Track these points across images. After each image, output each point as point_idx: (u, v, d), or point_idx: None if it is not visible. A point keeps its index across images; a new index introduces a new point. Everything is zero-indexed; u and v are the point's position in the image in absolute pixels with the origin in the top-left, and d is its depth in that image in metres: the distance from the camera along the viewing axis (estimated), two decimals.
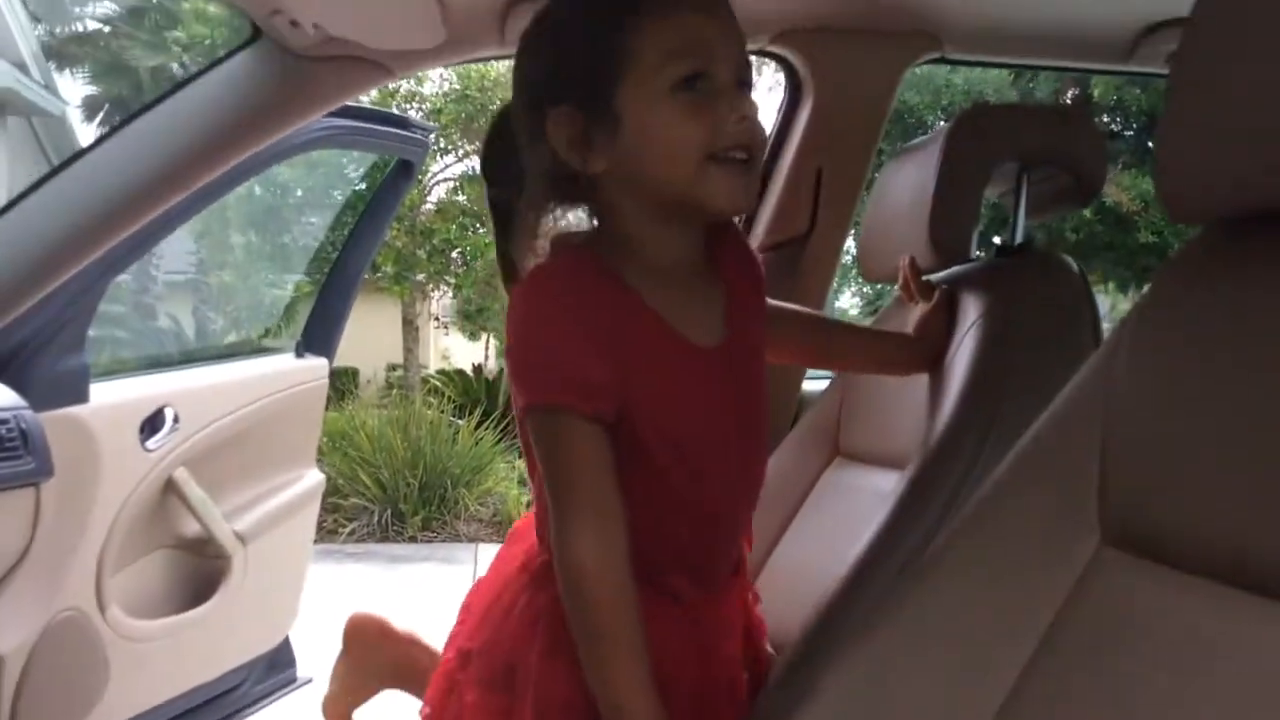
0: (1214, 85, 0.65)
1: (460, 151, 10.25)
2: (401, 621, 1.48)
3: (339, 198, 9.11)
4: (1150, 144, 9.72)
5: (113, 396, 1.84)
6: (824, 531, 1.43)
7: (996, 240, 1.48)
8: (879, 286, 12.94)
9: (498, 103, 9.60)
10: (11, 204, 1.50)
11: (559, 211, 1.00)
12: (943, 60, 1.76)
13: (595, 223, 1.01)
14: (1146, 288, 0.75)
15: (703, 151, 0.91)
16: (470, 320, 11.43)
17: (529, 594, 1.04)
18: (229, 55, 1.52)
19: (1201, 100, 0.67)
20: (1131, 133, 10.05)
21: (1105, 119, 9.90)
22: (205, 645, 2.06)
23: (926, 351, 1.28)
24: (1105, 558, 0.69)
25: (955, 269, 1.40)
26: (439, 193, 10.51)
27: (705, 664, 1.03)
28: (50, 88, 10.89)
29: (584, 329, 0.91)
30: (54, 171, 1.52)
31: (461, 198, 10.30)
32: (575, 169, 0.94)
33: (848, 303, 15.44)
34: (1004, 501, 0.78)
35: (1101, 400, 0.72)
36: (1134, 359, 0.72)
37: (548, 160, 0.94)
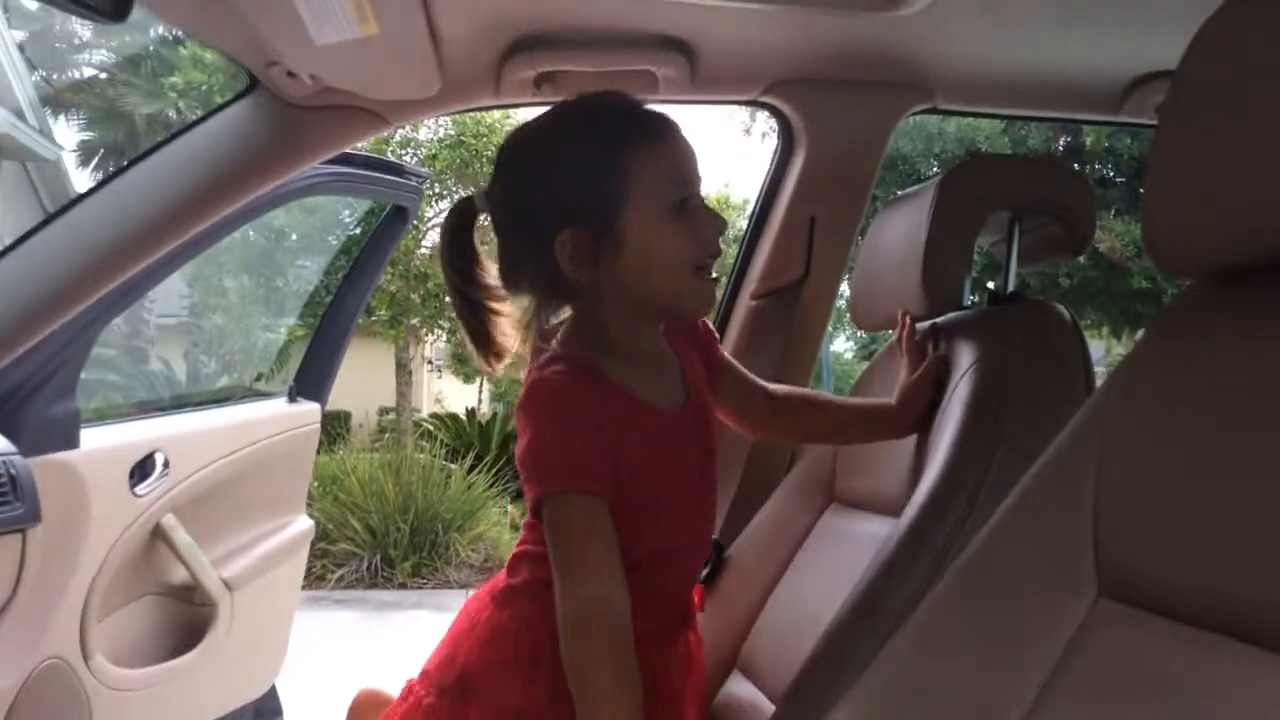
0: (1200, 139, 0.66)
1: (455, 197, 10.31)
2: None
3: (334, 242, 9.15)
4: (1143, 191, 9.82)
5: (103, 442, 1.83)
6: (819, 577, 1.42)
7: (990, 285, 1.49)
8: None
9: (493, 149, 9.70)
10: (7, 250, 1.50)
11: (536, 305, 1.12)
12: (934, 111, 1.78)
13: (572, 316, 1.13)
14: (1140, 336, 0.76)
15: (692, 264, 1.06)
16: (464, 364, 11.44)
17: (489, 611, 1.15)
18: (226, 104, 1.53)
19: (1188, 153, 0.67)
20: (1124, 180, 10.17)
21: (1097, 166, 10.02)
22: (191, 693, 2.03)
23: (908, 420, 1.31)
24: (1102, 609, 0.69)
25: (948, 316, 1.40)
26: (433, 237, 10.55)
27: (655, 699, 1.08)
28: (46, 133, 10.95)
29: (591, 428, 1.05)
30: (50, 218, 1.52)
31: None
32: (575, 279, 1.06)
33: (842, 346, 15.47)
34: (999, 553, 0.78)
35: (1095, 451, 0.72)
36: (1127, 410, 0.72)
37: (550, 273, 1.06)
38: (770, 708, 1.29)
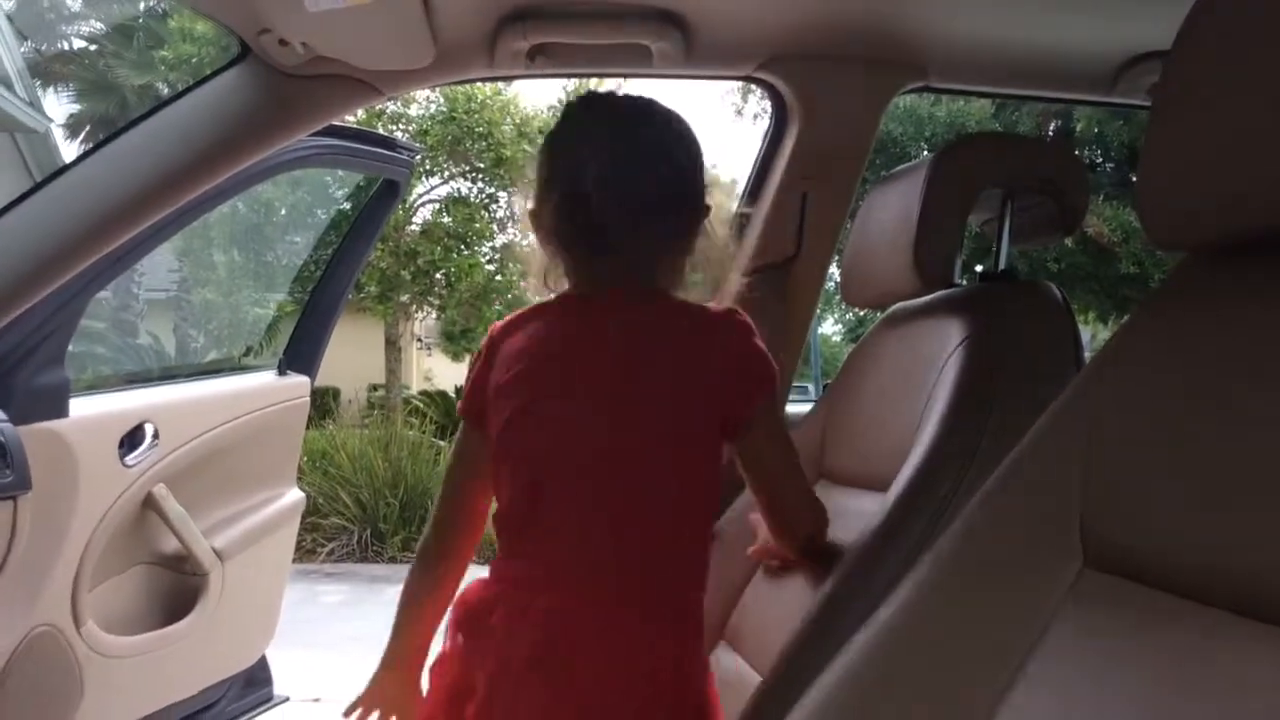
0: (1195, 115, 0.67)
1: (446, 173, 10.27)
2: None
3: (323, 217, 9.11)
4: (1132, 177, 9.84)
5: (92, 411, 1.82)
6: None
7: (979, 268, 1.50)
8: (861, 314, 13.01)
9: (484, 125, 9.65)
10: None
11: None
12: (928, 89, 1.78)
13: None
14: (1129, 315, 0.76)
15: None
16: (453, 341, 11.42)
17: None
18: (216, 73, 1.52)
19: (1183, 130, 0.68)
20: (1112, 165, 10.18)
21: (1087, 152, 10.03)
22: (182, 662, 2.04)
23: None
24: (1087, 580, 0.70)
25: (939, 294, 1.41)
26: (424, 214, 10.52)
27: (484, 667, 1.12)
28: (35, 105, 10.86)
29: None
30: (38, 186, 1.51)
31: (446, 219, 10.31)
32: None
33: (830, 329, 15.49)
34: (986, 524, 0.79)
35: (1084, 424, 0.73)
36: (1116, 384, 0.72)
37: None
38: (756, 679, 1.30)
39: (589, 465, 1.09)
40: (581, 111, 1.15)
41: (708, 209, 1.17)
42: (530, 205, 1.15)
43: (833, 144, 1.77)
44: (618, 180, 1.07)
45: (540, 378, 1.12)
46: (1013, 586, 0.74)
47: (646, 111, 1.13)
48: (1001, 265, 1.41)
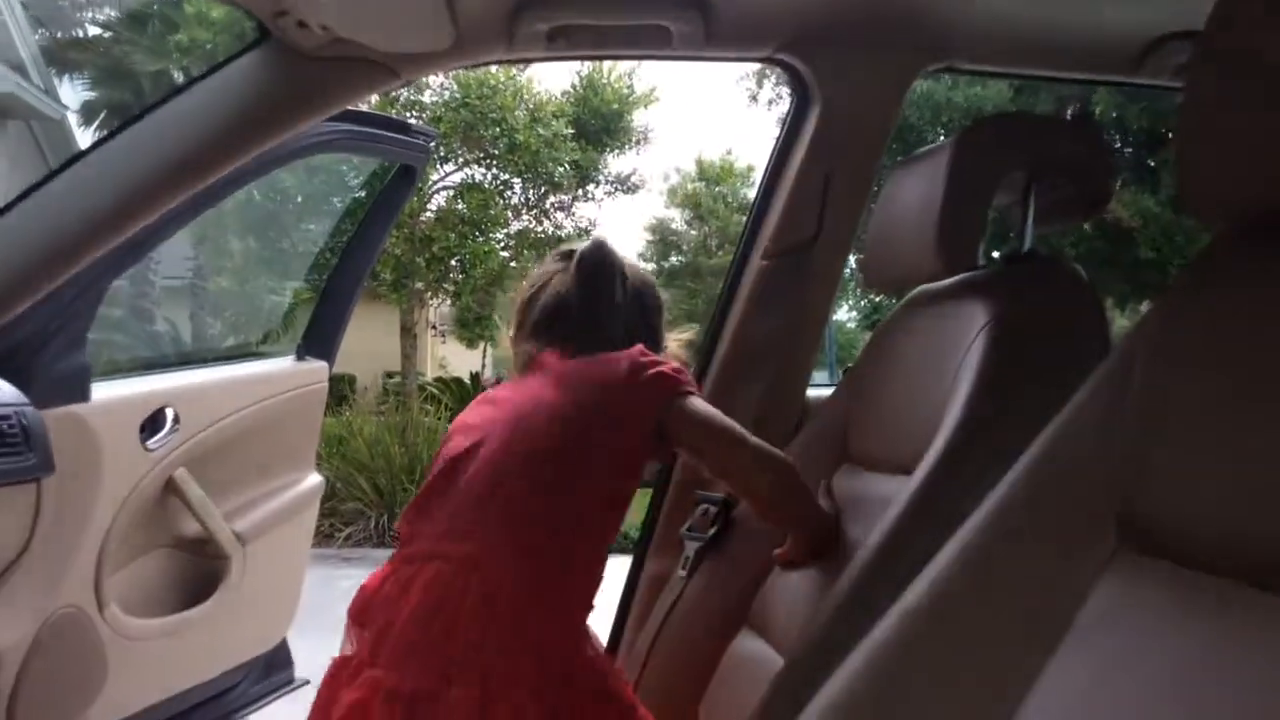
0: (1234, 87, 0.66)
1: (460, 160, 10.27)
2: None
3: (339, 204, 9.11)
4: (1150, 162, 9.76)
5: (113, 395, 1.83)
6: None
7: (995, 255, 1.48)
8: (877, 300, 12.97)
9: (497, 111, 9.64)
10: (14, 202, 1.50)
11: None
12: (950, 70, 1.77)
13: None
14: (1144, 307, 0.75)
15: None
16: (468, 328, 11.44)
17: None
18: (235, 56, 1.52)
19: (1222, 102, 0.67)
20: (1131, 150, 10.09)
21: (1106, 137, 9.94)
22: (203, 645, 2.05)
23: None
24: (1121, 560, 0.69)
25: (962, 276, 1.40)
26: (438, 201, 10.52)
27: None
28: (50, 92, 10.90)
29: None
30: (56, 171, 1.51)
31: (461, 206, 10.31)
32: None
33: (845, 315, 15.45)
34: (1017, 505, 0.78)
35: (1120, 402, 0.72)
36: (1153, 361, 0.72)
37: None
38: (779, 662, 1.30)
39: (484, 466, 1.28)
40: None
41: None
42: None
43: (854, 126, 1.75)
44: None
45: (473, 408, 1.43)
46: (1044, 567, 0.73)
47: None
48: (1026, 247, 1.39)
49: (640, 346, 1.34)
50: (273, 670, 2.31)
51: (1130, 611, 0.67)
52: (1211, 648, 0.61)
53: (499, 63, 1.75)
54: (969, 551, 0.78)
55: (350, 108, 2.00)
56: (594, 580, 1.29)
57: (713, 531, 1.60)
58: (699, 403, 1.33)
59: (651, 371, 1.31)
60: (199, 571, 2.08)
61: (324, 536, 6.03)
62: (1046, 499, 0.75)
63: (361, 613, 1.26)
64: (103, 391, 1.80)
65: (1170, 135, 9.50)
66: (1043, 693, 0.69)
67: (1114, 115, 9.65)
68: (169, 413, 1.94)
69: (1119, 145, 10.13)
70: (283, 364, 2.34)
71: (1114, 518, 0.70)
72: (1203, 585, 0.63)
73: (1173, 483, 0.67)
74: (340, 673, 1.23)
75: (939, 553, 0.82)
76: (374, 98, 9.31)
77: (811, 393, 1.91)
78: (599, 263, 1.42)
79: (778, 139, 1.88)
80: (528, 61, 1.55)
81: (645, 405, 1.29)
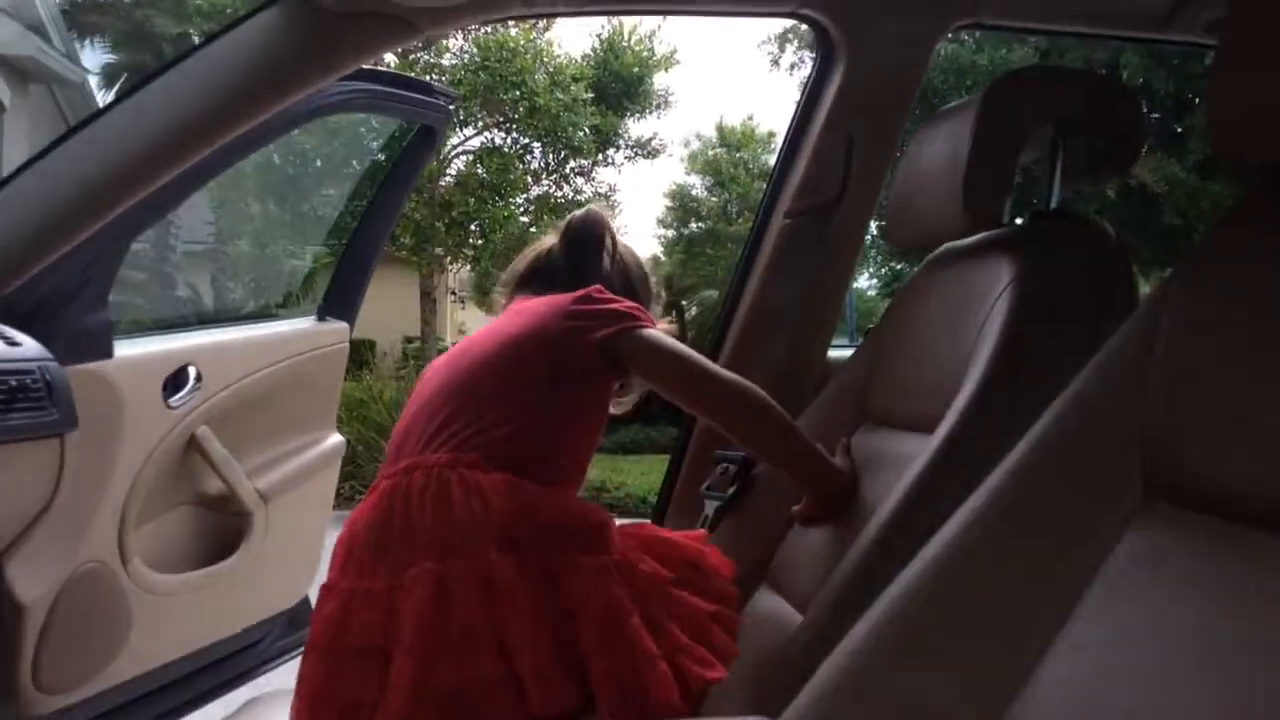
0: (1268, 38, 0.64)
1: (479, 124, 10.23)
2: None
3: (358, 167, 9.11)
4: (1177, 128, 9.62)
5: (136, 353, 1.84)
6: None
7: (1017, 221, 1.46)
8: (898, 267, 12.87)
9: (516, 73, 9.58)
10: (35, 159, 1.50)
11: None
12: (977, 26, 1.74)
13: None
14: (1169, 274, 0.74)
15: None
16: (487, 294, 11.44)
17: None
18: (255, 11, 1.50)
19: (1257, 50, 0.65)
20: (1158, 116, 9.95)
21: None
22: (226, 601, 2.07)
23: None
24: (1147, 511, 0.68)
25: (989, 233, 1.38)
26: (458, 165, 10.50)
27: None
28: (71, 56, 10.89)
29: None
30: (77, 127, 1.51)
31: (480, 170, 10.29)
32: None
33: (865, 283, 15.36)
34: (1042, 457, 0.77)
35: (1148, 353, 0.71)
36: (1182, 311, 0.70)
37: None
38: (797, 619, 1.30)
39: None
40: None
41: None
42: None
43: (881, 83, 1.73)
44: None
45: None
46: (1069, 518, 0.73)
47: None
48: (1054, 203, 1.37)
49: (599, 285, 1.38)
50: (295, 627, 2.33)
51: (1159, 562, 0.66)
52: (1240, 599, 0.60)
53: (518, 18, 1.73)
54: (995, 501, 0.78)
55: (370, 67, 1.99)
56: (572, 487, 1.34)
57: (732, 490, 1.60)
58: (655, 333, 1.35)
59: (601, 304, 1.35)
60: (222, 528, 2.09)
61: (345, 499, 6.07)
62: (1072, 450, 0.74)
63: (344, 539, 1.30)
64: (126, 349, 1.80)
65: (1197, 100, 9.36)
66: (1068, 643, 0.69)
67: (1141, 80, 9.51)
68: (191, 371, 1.95)
69: (1146, 111, 9.99)
70: (304, 324, 2.34)
71: (1141, 469, 0.69)
72: (1234, 536, 0.62)
73: (1202, 432, 0.66)
74: (323, 597, 1.27)
75: (964, 503, 0.81)
76: (393, 60, 9.27)
77: (833, 354, 1.90)
78: (588, 226, 1.49)
79: (800, 98, 1.86)
80: (548, 16, 1.52)
81: (586, 330, 1.32)
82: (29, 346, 1.58)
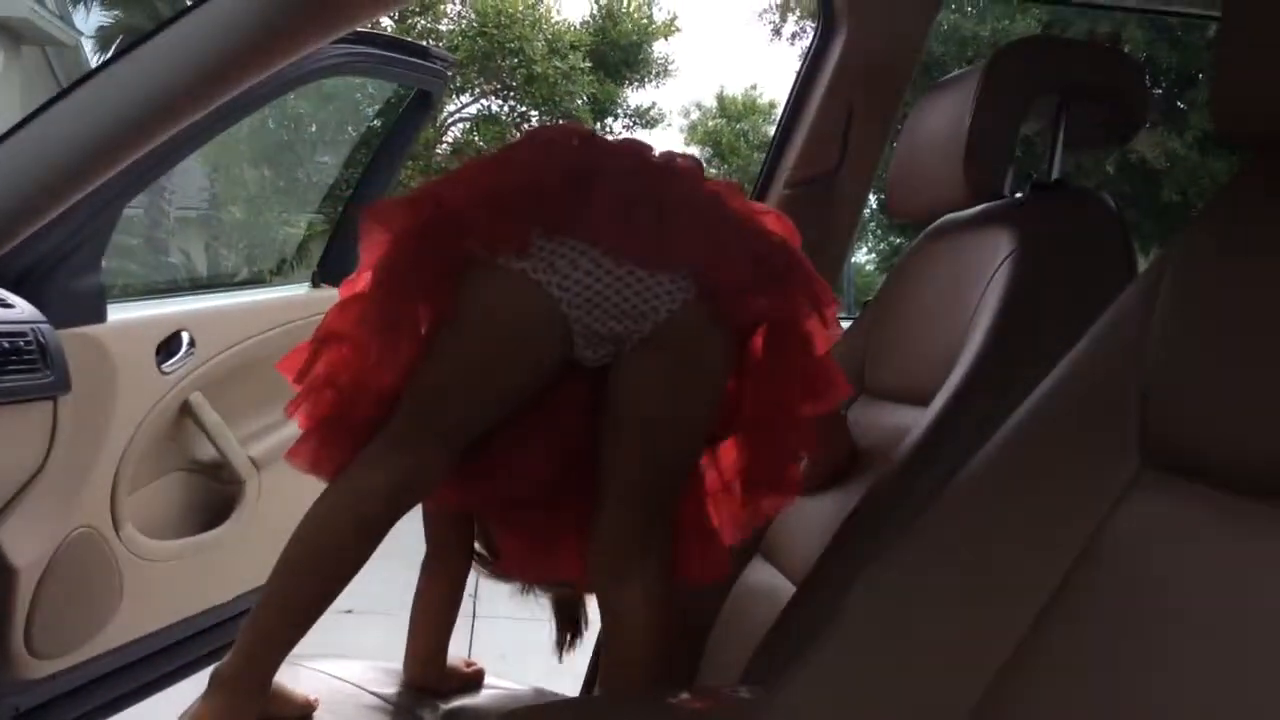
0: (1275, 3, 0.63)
1: (476, 91, 10.17)
2: None
3: (353, 134, 9.05)
4: (1179, 104, 9.59)
5: (129, 318, 1.83)
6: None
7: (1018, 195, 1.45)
8: (896, 242, 12.85)
9: (514, 40, 9.51)
10: (26, 120, 1.48)
11: None
12: None
13: None
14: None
15: None
16: None
17: None
18: None
19: (1263, 20, 0.64)
20: (1159, 92, 9.92)
21: None
22: (219, 568, 2.07)
23: None
24: (1144, 480, 0.68)
25: (989, 205, 1.37)
26: (455, 133, 10.44)
27: None
28: (65, 18, 10.80)
29: None
30: (69, 89, 1.49)
31: (477, 138, 10.23)
32: None
33: (863, 258, 15.34)
34: (1038, 428, 0.77)
35: (1145, 321, 0.70)
36: (1180, 281, 0.70)
37: None
38: (791, 590, 1.30)
39: None
40: None
41: None
42: None
43: (882, 52, 1.71)
44: None
45: None
46: (1063, 488, 0.72)
47: None
48: (1055, 174, 1.36)
49: None
50: None
51: (1154, 533, 0.66)
52: (1237, 569, 0.60)
53: None
54: (990, 471, 0.77)
55: (367, 30, 1.96)
56: None
57: None
58: None
59: None
60: (215, 495, 2.09)
61: None
62: (1067, 421, 0.74)
63: None
64: (119, 313, 1.79)
65: (1199, 76, 9.32)
66: (1061, 620, 0.69)
67: (1143, 55, 9.46)
68: (184, 336, 1.94)
69: (1148, 86, 9.97)
70: (299, 291, 2.33)
71: (1138, 439, 0.68)
72: (1231, 505, 0.62)
73: (1199, 400, 0.65)
74: None
75: (958, 473, 0.81)
76: (390, 25, 9.20)
77: None
78: None
79: (801, 67, 1.84)
80: None
81: None
82: (22, 308, 1.57)
